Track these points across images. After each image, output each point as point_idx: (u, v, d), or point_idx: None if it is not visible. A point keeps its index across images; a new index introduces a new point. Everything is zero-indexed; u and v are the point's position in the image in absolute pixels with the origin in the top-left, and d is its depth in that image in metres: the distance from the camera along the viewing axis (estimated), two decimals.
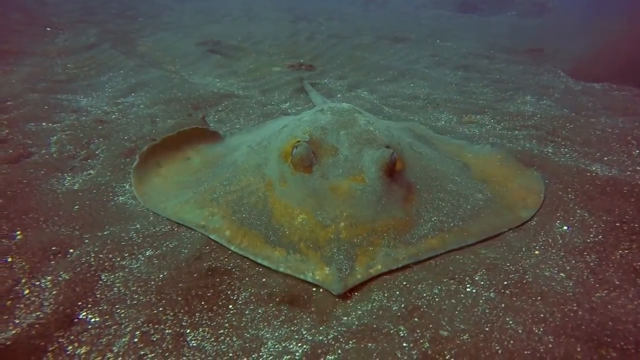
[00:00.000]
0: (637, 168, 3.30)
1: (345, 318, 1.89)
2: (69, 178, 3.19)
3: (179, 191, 2.74)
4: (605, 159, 3.54)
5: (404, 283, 2.05)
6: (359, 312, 1.90)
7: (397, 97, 5.45)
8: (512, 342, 1.71)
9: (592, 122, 4.36)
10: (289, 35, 9.92)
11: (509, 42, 10.14)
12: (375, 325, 1.82)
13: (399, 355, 1.67)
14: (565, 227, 2.57)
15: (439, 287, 2.02)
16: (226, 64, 6.91)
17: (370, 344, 1.74)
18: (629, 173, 3.16)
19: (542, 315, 1.86)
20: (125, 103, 4.91)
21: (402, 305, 1.92)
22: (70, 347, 1.73)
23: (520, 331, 1.77)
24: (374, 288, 2.04)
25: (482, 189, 2.73)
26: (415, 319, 1.85)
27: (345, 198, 2.18)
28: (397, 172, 2.39)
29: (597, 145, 3.80)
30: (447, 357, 1.67)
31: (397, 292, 2.00)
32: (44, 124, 4.07)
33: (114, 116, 4.43)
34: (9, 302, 1.97)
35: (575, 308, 1.89)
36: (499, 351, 1.68)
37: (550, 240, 2.46)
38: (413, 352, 1.68)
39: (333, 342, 1.76)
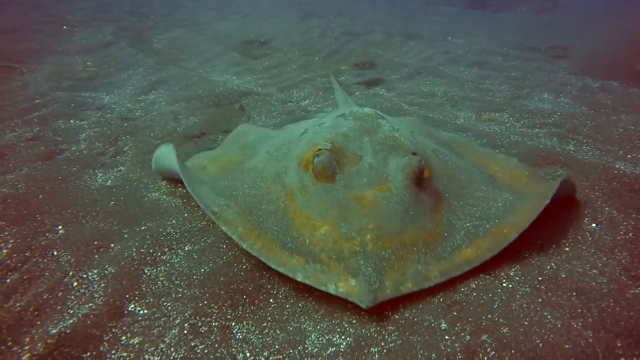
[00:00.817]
0: None
1: (386, 312, 1.94)
2: (100, 174, 3.27)
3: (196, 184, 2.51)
4: (629, 156, 3.55)
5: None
6: (400, 306, 1.95)
7: (415, 95, 5.48)
8: (552, 336, 1.76)
9: (613, 119, 4.37)
10: (301, 32, 9.94)
11: (521, 39, 10.09)
12: (416, 319, 1.87)
13: (442, 348, 1.72)
14: (594, 225, 2.60)
15: (476, 282, 2.07)
16: (242, 61, 6.96)
17: (412, 337, 1.79)
18: None
19: (579, 311, 1.90)
20: (147, 100, 4.99)
21: (441, 300, 1.97)
22: (124, 337, 1.80)
23: (559, 325, 1.81)
24: None
25: (510, 193, 2.57)
26: (455, 313, 1.90)
27: (371, 209, 2.04)
28: (425, 180, 2.28)
29: (619, 142, 3.81)
30: (488, 350, 1.72)
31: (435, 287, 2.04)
32: (71, 121, 4.15)
33: (137, 113, 4.51)
34: (60, 293, 2.04)
35: (612, 304, 1.93)
36: (540, 344, 1.72)
37: (579, 237, 2.49)
38: (456, 345, 1.73)
39: (376, 335, 1.82)
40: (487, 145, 3.73)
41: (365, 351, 1.75)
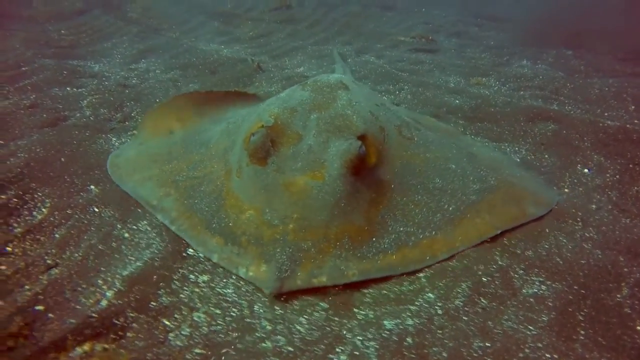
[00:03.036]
0: (636, 121, 3.70)
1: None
2: (114, 139, 3.26)
3: (147, 164, 2.62)
4: (606, 114, 3.92)
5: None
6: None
7: (404, 62, 5.66)
8: (568, 254, 2.05)
9: (588, 82, 4.75)
10: (278, 2, 9.79)
11: (493, 10, 10.45)
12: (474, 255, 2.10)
13: (483, 268, 1.98)
14: (586, 170, 2.93)
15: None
16: (227, 31, 6.85)
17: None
18: (636, 123, 3.55)
19: (587, 235, 2.20)
20: (140, 69, 4.88)
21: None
22: (192, 276, 1.92)
23: (571, 246, 2.11)
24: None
25: (486, 176, 2.42)
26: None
27: (299, 197, 1.92)
28: (367, 168, 2.09)
29: (596, 102, 4.19)
30: (517, 269, 1.99)
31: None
32: (67, 88, 4.03)
33: (134, 81, 4.43)
34: (114, 243, 2.12)
35: (611, 229, 2.25)
36: (560, 262, 2.01)
37: (575, 181, 2.82)
38: (494, 267, 1.99)
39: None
40: (481, 105, 3.99)
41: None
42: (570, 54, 6.30)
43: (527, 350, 1.60)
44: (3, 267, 2.01)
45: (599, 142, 3.20)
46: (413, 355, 1.57)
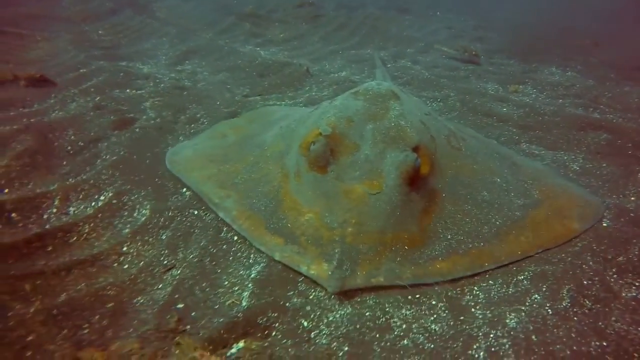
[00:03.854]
0: None
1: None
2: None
3: (205, 164, 2.73)
4: None
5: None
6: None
7: (440, 68, 5.79)
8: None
9: (625, 91, 4.91)
10: (297, 4, 9.87)
11: (505, 15, 10.65)
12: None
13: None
14: None
15: None
16: (259, 33, 6.94)
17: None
18: None
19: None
20: (186, 70, 4.97)
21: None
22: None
23: None
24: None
25: (530, 189, 2.51)
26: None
27: (357, 204, 2.02)
28: (421, 178, 2.19)
29: (637, 111, 4.35)
30: (612, 275, 2.12)
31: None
32: (127, 90, 4.11)
33: (186, 83, 4.52)
34: (225, 246, 2.22)
35: None
36: None
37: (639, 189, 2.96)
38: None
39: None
40: (530, 114, 4.13)
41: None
42: (597, 61, 6.47)
43: None
44: (126, 267, 2.11)
45: None
46: (542, 352, 1.70)
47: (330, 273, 1.87)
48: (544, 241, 2.25)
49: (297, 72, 4.87)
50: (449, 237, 2.14)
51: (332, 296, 1.91)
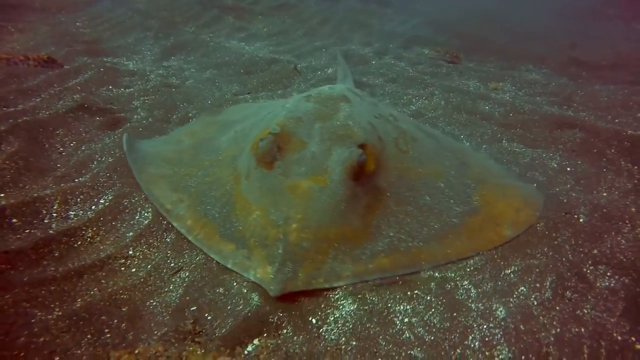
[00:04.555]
0: None
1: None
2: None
3: (160, 163, 2.73)
4: (617, 120, 4.36)
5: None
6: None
7: (423, 65, 5.94)
8: (629, 252, 2.41)
9: (596, 89, 5.20)
10: None
11: (486, 9, 10.91)
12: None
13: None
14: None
15: None
16: (242, 26, 6.90)
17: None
18: None
19: (639, 234, 2.58)
20: (173, 67, 4.93)
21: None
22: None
23: (629, 244, 2.48)
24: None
25: (470, 195, 2.62)
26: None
27: (302, 199, 2.06)
28: (366, 175, 2.25)
29: (607, 109, 4.63)
30: (589, 266, 2.33)
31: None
32: (113, 89, 4.08)
33: (174, 80, 4.50)
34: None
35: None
36: (622, 259, 2.37)
37: (610, 185, 3.20)
38: None
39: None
40: (511, 112, 4.34)
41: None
42: (569, 60, 6.77)
43: (615, 335, 1.94)
44: (134, 270, 2.17)
45: (624, 150, 3.60)
46: (530, 340, 1.87)
47: (272, 276, 1.90)
48: (478, 246, 2.36)
49: (285, 70, 4.91)
50: (392, 234, 2.20)
51: (338, 294, 2.03)
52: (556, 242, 2.49)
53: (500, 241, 2.42)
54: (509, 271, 2.29)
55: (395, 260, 2.11)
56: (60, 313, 1.73)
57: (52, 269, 2.02)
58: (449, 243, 2.29)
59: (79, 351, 1.57)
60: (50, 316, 1.71)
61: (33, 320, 1.66)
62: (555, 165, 3.44)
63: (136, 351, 1.49)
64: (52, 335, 1.62)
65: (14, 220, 2.32)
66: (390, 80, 5.11)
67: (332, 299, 2.01)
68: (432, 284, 2.18)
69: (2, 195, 2.49)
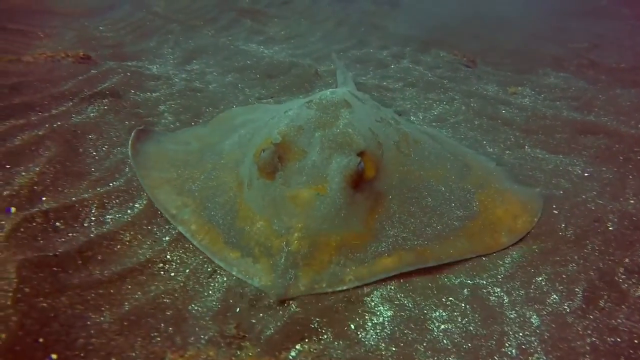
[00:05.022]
0: None
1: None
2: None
3: (165, 165, 2.78)
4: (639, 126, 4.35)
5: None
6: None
7: (441, 69, 5.95)
8: None
9: (618, 93, 5.18)
10: None
11: (499, 9, 10.85)
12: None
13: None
14: None
15: None
16: (260, 29, 6.96)
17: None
18: None
19: None
20: (195, 71, 5.00)
21: None
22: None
23: None
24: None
25: (470, 200, 2.66)
26: None
27: (303, 208, 2.13)
28: (366, 181, 2.31)
29: (629, 114, 4.61)
30: (620, 275, 2.34)
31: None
32: (140, 93, 4.14)
33: (197, 84, 4.57)
34: None
35: None
36: None
37: (636, 191, 3.20)
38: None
39: None
40: (532, 117, 4.35)
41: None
42: (588, 63, 6.74)
43: None
44: (173, 274, 2.23)
45: None
46: (566, 348, 1.90)
47: (274, 283, 2.00)
48: (477, 249, 2.43)
49: (306, 74, 4.96)
50: (395, 233, 2.27)
51: (374, 300, 2.07)
52: (586, 250, 2.51)
53: (497, 247, 2.47)
54: (540, 279, 2.32)
55: (400, 258, 2.18)
56: (111, 316, 1.79)
57: (98, 272, 2.09)
58: (451, 244, 2.36)
59: (133, 354, 1.63)
60: (102, 319, 1.77)
61: (88, 323, 1.73)
62: (580, 172, 3.45)
63: (187, 354, 1.54)
64: (107, 337, 1.68)
65: (58, 224, 2.39)
66: (409, 84, 5.13)
67: (369, 305, 2.05)
68: (465, 290, 2.22)
69: (44, 198, 2.57)
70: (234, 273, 2.14)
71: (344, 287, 2.06)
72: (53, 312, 1.74)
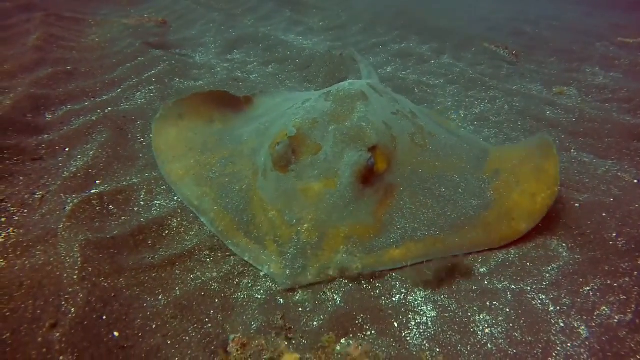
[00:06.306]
0: None
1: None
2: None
3: (184, 152, 2.82)
4: None
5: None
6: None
7: (483, 66, 5.80)
8: None
9: None
10: None
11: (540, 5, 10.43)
12: None
13: None
14: None
15: None
16: (299, 20, 6.96)
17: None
18: None
19: None
20: (236, 60, 5.07)
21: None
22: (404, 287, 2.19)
23: None
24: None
25: (485, 189, 2.60)
26: None
27: (314, 201, 2.21)
28: (376, 175, 2.36)
29: None
30: None
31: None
32: (184, 81, 4.24)
33: (239, 74, 4.63)
34: None
35: None
36: None
37: None
38: None
39: None
40: (579, 119, 4.18)
41: None
42: None
43: None
44: (219, 262, 2.29)
45: None
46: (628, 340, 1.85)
47: (283, 271, 2.06)
48: (493, 240, 2.40)
49: (347, 67, 4.94)
50: (405, 225, 2.30)
51: (417, 300, 2.07)
52: (639, 262, 2.42)
53: (514, 236, 2.43)
54: (588, 288, 2.25)
55: (408, 250, 2.21)
56: (165, 301, 1.87)
57: (150, 256, 2.18)
58: (465, 234, 2.35)
59: (186, 338, 1.70)
60: (157, 302, 1.85)
61: (145, 305, 1.81)
62: (632, 179, 3.30)
63: (243, 341, 1.59)
64: (163, 320, 1.76)
65: (111, 207, 2.50)
66: (450, 81, 5.03)
67: (412, 305, 2.06)
68: (509, 295, 2.18)
69: (98, 182, 2.69)
70: (245, 259, 2.22)
71: (352, 274, 2.11)
72: (113, 292, 1.83)
